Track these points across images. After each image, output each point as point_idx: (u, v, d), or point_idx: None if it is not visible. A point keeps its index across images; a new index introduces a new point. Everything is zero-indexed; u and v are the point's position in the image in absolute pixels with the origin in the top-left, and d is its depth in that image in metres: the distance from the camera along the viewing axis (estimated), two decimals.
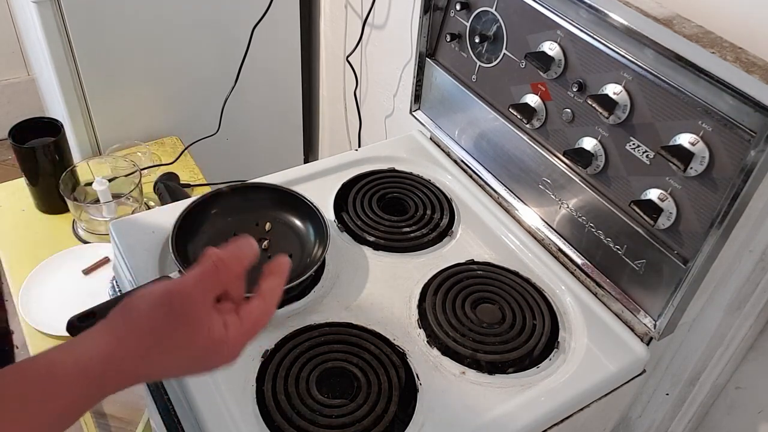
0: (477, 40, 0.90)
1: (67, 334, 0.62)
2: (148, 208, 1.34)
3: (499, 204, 0.97)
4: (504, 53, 0.88)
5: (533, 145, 0.87)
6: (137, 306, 0.48)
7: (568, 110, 0.81)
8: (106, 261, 1.23)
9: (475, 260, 0.89)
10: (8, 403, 0.41)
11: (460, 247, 0.92)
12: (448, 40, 0.96)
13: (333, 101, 1.68)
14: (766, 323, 0.80)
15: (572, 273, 0.88)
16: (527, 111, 0.85)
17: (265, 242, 0.87)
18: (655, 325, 0.77)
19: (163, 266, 0.84)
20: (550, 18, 0.79)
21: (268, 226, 0.89)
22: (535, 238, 0.92)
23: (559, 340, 0.80)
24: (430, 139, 1.09)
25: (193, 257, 0.83)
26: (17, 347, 1.65)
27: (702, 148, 0.66)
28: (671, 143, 0.69)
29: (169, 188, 1.35)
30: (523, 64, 0.85)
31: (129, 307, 0.48)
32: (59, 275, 1.20)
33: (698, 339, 0.86)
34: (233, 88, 1.48)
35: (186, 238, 0.84)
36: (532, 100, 0.85)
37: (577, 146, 0.80)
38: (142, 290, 0.49)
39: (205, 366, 0.52)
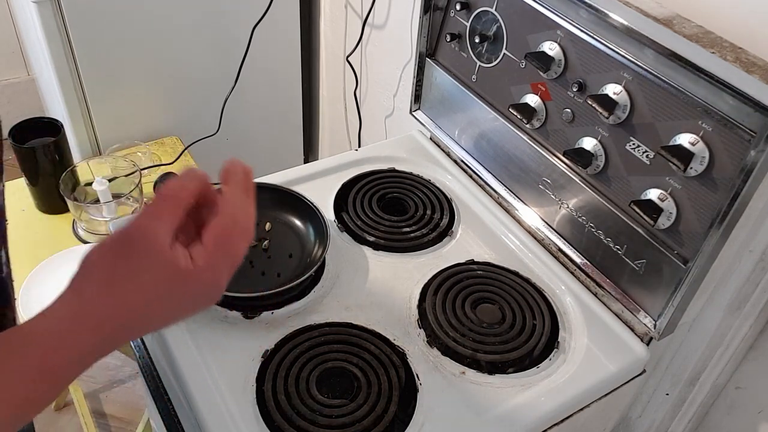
0: (477, 40, 0.90)
1: None
2: None
3: (499, 204, 0.97)
4: (504, 53, 0.88)
5: (533, 145, 0.87)
6: (90, 256, 0.46)
7: (568, 110, 0.81)
8: None
9: (475, 260, 0.89)
10: None
11: (460, 247, 0.92)
12: (448, 40, 0.96)
13: (333, 101, 1.68)
14: (766, 323, 0.80)
15: (572, 273, 0.88)
16: (527, 111, 0.85)
17: (265, 242, 0.87)
18: (655, 325, 0.77)
19: None
20: (550, 18, 0.79)
21: (268, 226, 0.89)
22: (535, 238, 0.92)
23: (559, 340, 0.80)
24: (430, 139, 1.09)
25: None
26: None
27: (702, 148, 0.66)
28: (671, 143, 0.69)
29: None
30: (523, 64, 0.85)
31: (84, 260, 0.46)
32: (59, 275, 1.20)
33: (698, 339, 0.86)
34: (233, 88, 1.48)
35: None
36: (532, 100, 0.85)
37: (577, 146, 0.80)
38: (98, 241, 0.47)
39: (191, 304, 0.48)
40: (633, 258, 0.77)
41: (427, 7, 0.97)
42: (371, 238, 0.91)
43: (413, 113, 1.09)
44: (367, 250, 0.90)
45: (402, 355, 0.76)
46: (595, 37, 0.75)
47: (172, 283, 0.46)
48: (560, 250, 0.87)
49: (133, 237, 0.46)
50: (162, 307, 0.47)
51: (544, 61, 0.80)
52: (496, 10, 0.87)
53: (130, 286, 0.45)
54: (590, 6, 0.73)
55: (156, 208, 0.47)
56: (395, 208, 0.97)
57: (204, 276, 0.47)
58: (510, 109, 0.86)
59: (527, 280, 0.86)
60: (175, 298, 0.47)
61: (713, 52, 0.64)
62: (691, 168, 0.67)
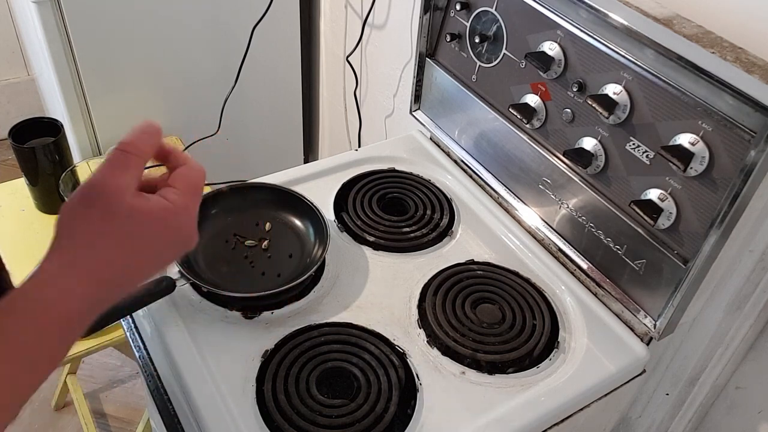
0: (477, 40, 0.90)
1: None
2: None
3: (499, 204, 0.97)
4: (504, 53, 0.88)
5: (533, 145, 0.87)
6: (62, 217, 0.48)
7: (568, 110, 0.81)
8: None
9: (475, 260, 0.89)
10: None
11: (460, 247, 0.92)
12: (448, 40, 0.96)
13: (333, 101, 1.68)
14: (766, 323, 0.80)
15: (572, 273, 0.88)
16: (527, 111, 0.85)
17: (265, 242, 0.87)
18: (655, 325, 0.77)
19: None
20: (550, 18, 0.79)
21: (268, 226, 0.89)
22: (535, 238, 0.92)
23: (559, 340, 0.80)
24: (430, 139, 1.09)
25: (193, 257, 0.83)
26: None
27: (702, 148, 0.66)
28: (671, 143, 0.69)
29: None
30: (523, 64, 0.85)
31: (59, 220, 0.48)
32: None
33: (698, 339, 0.86)
34: (233, 88, 1.48)
35: None
36: (532, 100, 0.85)
37: (577, 146, 0.80)
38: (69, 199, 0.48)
39: (171, 248, 0.51)
40: (633, 258, 0.77)
41: (427, 7, 0.97)
42: (371, 238, 0.91)
43: (413, 113, 1.09)
44: (367, 250, 0.90)
45: (402, 355, 0.76)
46: (595, 37, 0.75)
47: (155, 228, 0.48)
48: (560, 250, 0.87)
49: (99, 194, 0.47)
50: (143, 256, 0.48)
51: (544, 61, 0.80)
52: (496, 10, 0.87)
53: (106, 242, 0.46)
54: (590, 6, 0.73)
55: (115, 161, 0.48)
56: (395, 208, 0.97)
57: (181, 217, 0.49)
58: (510, 109, 0.86)
59: (527, 280, 0.86)
60: (162, 241, 0.49)
61: (713, 52, 0.64)
62: (691, 168, 0.67)
